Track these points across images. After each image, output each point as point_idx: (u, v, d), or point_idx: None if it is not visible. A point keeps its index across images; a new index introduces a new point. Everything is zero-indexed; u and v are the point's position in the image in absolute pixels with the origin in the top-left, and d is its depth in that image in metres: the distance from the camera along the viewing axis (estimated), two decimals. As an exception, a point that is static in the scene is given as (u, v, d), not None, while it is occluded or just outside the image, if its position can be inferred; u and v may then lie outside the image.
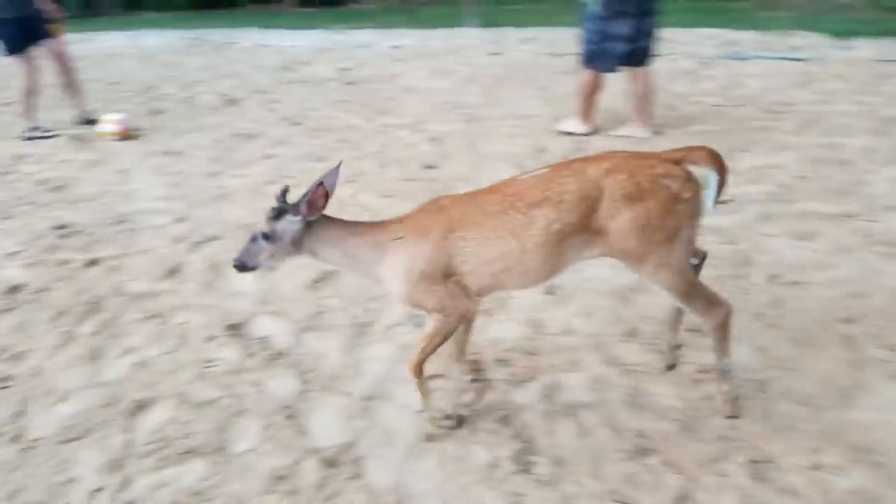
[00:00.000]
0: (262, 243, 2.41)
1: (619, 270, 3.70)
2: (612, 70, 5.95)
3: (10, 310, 3.74)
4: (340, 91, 8.77)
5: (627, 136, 6.00)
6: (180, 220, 4.87)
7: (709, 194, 2.33)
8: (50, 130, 7.37)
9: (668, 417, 2.65)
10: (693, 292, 2.37)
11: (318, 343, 3.29)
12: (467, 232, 2.31)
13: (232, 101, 8.45)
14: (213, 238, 4.52)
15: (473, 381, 2.91)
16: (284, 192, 2.42)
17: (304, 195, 2.32)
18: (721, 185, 2.33)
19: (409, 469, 2.48)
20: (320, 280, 3.85)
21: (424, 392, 2.59)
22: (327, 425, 2.73)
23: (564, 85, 6.81)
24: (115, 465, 2.59)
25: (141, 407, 2.92)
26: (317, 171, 5.68)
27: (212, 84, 9.63)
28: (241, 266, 2.47)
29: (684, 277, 2.34)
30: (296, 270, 3.88)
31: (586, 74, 6.02)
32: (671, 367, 2.90)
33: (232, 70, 10.68)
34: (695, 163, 2.33)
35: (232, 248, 4.26)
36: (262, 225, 2.39)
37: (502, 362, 3.04)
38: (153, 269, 4.12)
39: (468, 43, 11.71)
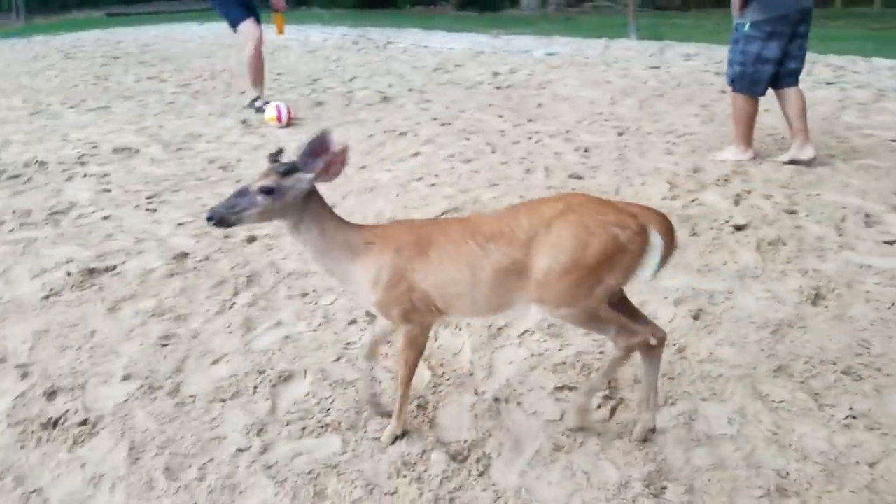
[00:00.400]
0: (258, 198, 2.28)
1: (774, 302, 3.54)
2: (762, 93, 5.64)
3: (177, 274, 4.07)
4: (492, 95, 8.86)
5: (792, 161, 5.65)
6: (332, 206, 5.08)
7: (651, 261, 2.29)
8: (262, 107, 7.87)
9: (812, 460, 2.48)
10: (602, 322, 2.37)
11: (453, 340, 3.35)
12: (431, 252, 2.36)
13: (387, 98, 8.75)
14: (360, 227, 4.70)
15: (606, 398, 2.86)
16: (279, 151, 2.35)
17: (319, 157, 2.26)
18: (666, 256, 2.32)
19: (536, 475, 2.46)
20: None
21: (402, 403, 2.61)
22: (457, 421, 2.77)
23: (725, 104, 6.51)
24: (258, 429, 2.76)
25: (285, 378, 3.09)
26: (463, 172, 5.78)
27: (369, 80, 10.03)
28: (220, 220, 2.31)
29: (591, 315, 2.34)
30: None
31: (739, 99, 5.73)
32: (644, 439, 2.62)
33: (389, 68, 11.06)
34: (647, 223, 2.30)
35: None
36: (263, 180, 2.28)
37: (640, 383, 2.96)
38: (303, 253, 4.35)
39: (626, 54, 11.47)
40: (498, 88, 9.23)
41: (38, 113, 8.53)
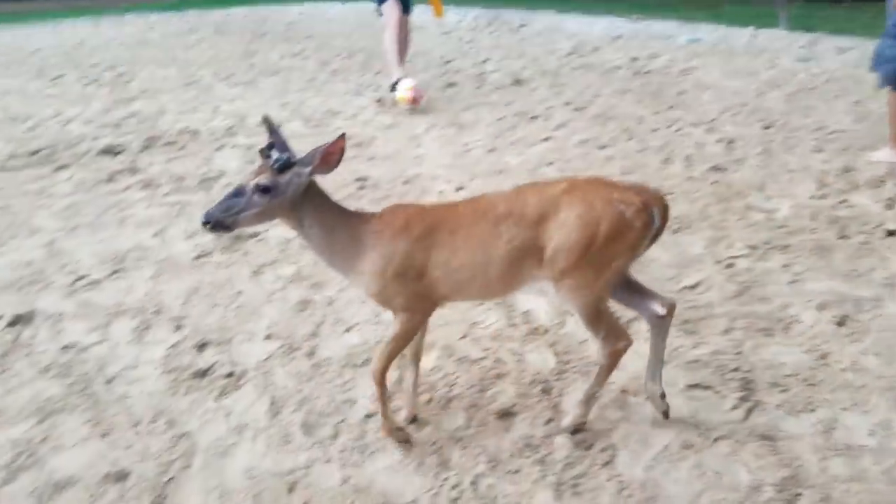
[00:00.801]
0: (255, 198, 2.18)
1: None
2: None
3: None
4: (629, 80, 8.61)
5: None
6: (459, 188, 5.16)
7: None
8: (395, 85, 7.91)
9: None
10: (600, 319, 2.38)
11: (580, 328, 3.31)
12: (442, 236, 2.31)
13: (519, 81, 8.70)
14: (490, 209, 4.73)
15: (742, 399, 2.75)
16: (270, 146, 2.21)
17: (316, 149, 2.18)
18: (658, 234, 2.35)
19: (663, 470, 2.41)
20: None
21: (384, 400, 2.51)
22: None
23: (881, 102, 6.01)
24: (389, 397, 2.85)
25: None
26: (596, 159, 5.68)
27: (502, 63, 10.00)
28: (216, 223, 2.21)
29: (599, 305, 2.36)
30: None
31: (894, 97, 5.26)
32: (666, 414, 2.65)
33: (523, 51, 10.99)
34: (649, 202, 2.31)
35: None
36: (260, 178, 2.18)
37: (778, 387, 2.83)
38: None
39: (774, 45, 10.80)
40: (636, 74, 8.96)
41: (191, 84, 9.12)
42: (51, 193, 5.22)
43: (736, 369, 2.96)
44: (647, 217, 2.28)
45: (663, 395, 2.60)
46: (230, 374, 3.03)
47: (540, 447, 2.54)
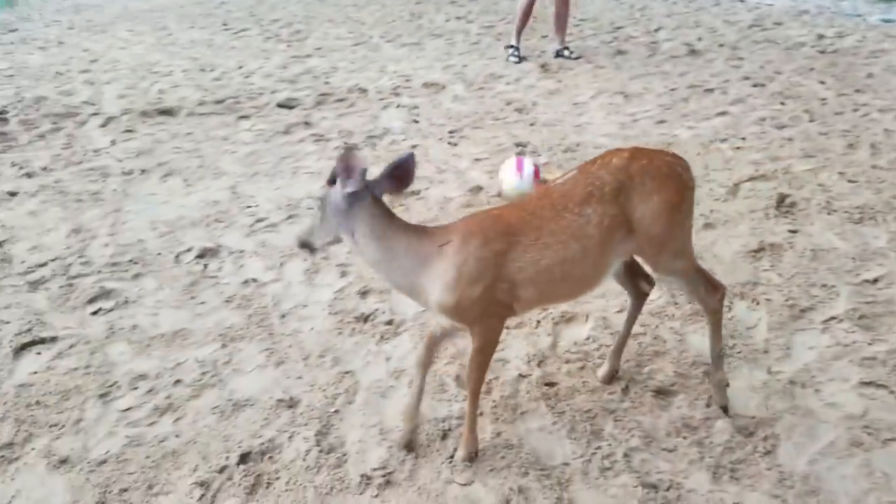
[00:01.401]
0: (316, 212, 2.27)
1: None
2: None
3: (472, 206, 4.31)
4: (814, 59, 7.94)
5: None
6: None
7: None
8: (522, 57, 8.10)
9: None
10: (696, 278, 2.41)
11: (748, 314, 3.16)
12: (525, 237, 2.17)
13: (694, 52, 8.26)
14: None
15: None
16: (349, 148, 2.18)
17: (352, 168, 2.11)
18: None
19: (828, 466, 2.29)
20: (760, 251, 3.66)
21: (474, 416, 2.39)
22: (745, 395, 2.64)
23: None
24: (539, 360, 2.88)
25: (567, 319, 3.17)
26: (774, 139, 5.33)
27: (676, 32, 9.53)
28: (302, 243, 2.32)
29: (694, 264, 2.41)
30: (731, 238, 3.77)
31: None
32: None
33: (699, 20, 10.40)
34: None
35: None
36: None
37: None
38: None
39: None
40: (822, 52, 8.24)
41: (360, 44, 9.43)
42: (234, 140, 5.63)
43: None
44: (692, 178, 2.36)
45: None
46: (390, 322, 3.18)
47: (699, 429, 2.47)
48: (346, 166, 2.12)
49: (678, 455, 2.36)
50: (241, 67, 7.92)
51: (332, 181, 2.21)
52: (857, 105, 6.14)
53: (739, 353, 2.89)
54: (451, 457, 2.41)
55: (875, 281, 3.42)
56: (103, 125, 5.87)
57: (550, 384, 2.75)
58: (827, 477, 2.26)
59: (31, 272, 3.62)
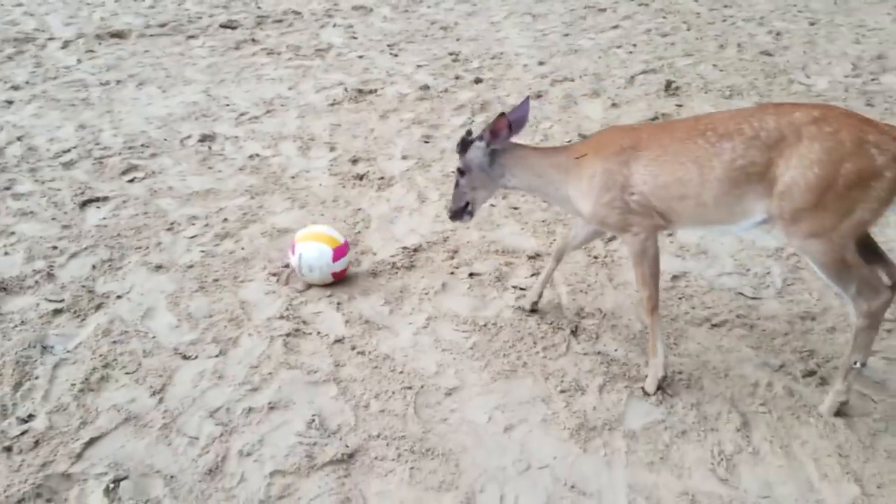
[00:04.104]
0: (461, 180, 2.55)
1: None
2: None
3: (424, 100, 5.16)
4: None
5: None
6: (541, 63, 5.98)
7: None
8: None
9: None
10: (848, 273, 2.10)
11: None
12: (649, 152, 2.25)
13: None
14: (567, 79, 5.57)
15: None
16: (468, 133, 2.59)
17: (488, 125, 2.47)
18: None
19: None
20: (655, 119, 4.72)
21: (657, 335, 2.41)
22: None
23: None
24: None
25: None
26: (658, 43, 6.43)
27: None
28: (454, 213, 2.61)
29: (840, 255, 2.08)
30: (633, 112, 4.80)
31: None
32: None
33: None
34: None
35: (582, 88, 5.29)
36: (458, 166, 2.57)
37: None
38: (524, 91, 5.30)
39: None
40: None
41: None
42: (191, 56, 6.16)
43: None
44: (891, 161, 1.99)
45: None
46: (382, 178, 4.01)
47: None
48: (494, 129, 2.44)
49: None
50: (171, -4, 8.24)
51: (462, 149, 2.53)
52: (725, 17, 7.38)
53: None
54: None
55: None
56: (63, 48, 6.25)
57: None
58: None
59: (59, 156, 4.19)
